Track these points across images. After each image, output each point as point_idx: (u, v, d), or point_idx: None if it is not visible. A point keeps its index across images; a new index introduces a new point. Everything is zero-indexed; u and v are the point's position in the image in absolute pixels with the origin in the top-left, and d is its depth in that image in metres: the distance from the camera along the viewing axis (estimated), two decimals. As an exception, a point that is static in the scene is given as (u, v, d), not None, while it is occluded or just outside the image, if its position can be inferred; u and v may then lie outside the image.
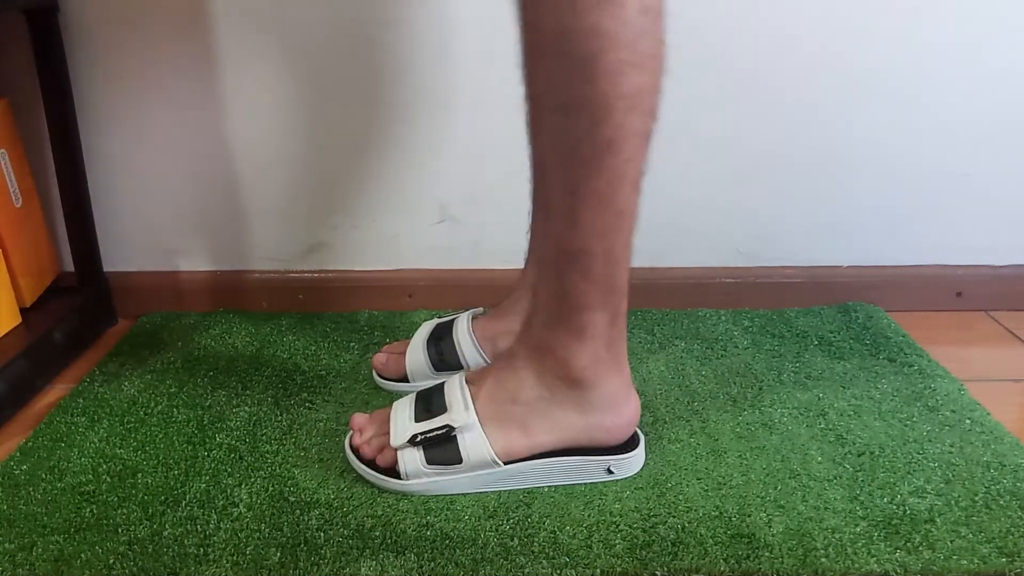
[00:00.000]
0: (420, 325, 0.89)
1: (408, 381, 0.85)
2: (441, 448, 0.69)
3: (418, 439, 0.69)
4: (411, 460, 0.69)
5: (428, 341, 0.85)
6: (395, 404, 0.74)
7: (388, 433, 0.71)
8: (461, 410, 0.69)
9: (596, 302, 0.65)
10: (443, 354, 0.84)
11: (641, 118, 0.59)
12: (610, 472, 0.71)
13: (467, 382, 0.72)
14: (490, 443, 0.68)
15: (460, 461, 0.69)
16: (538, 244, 0.68)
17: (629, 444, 0.72)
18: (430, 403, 0.72)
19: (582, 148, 0.59)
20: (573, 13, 0.55)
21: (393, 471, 0.70)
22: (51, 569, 0.62)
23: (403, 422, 0.71)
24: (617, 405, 0.71)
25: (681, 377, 0.89)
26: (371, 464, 0.71)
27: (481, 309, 0.88)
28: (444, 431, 0.69)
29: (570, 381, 0.68)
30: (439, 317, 0.90)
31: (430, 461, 0.69)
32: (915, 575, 0.61)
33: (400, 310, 1.07)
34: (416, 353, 0.85)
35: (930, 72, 0.98)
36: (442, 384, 0.74)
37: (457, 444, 0.69)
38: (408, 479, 0.69)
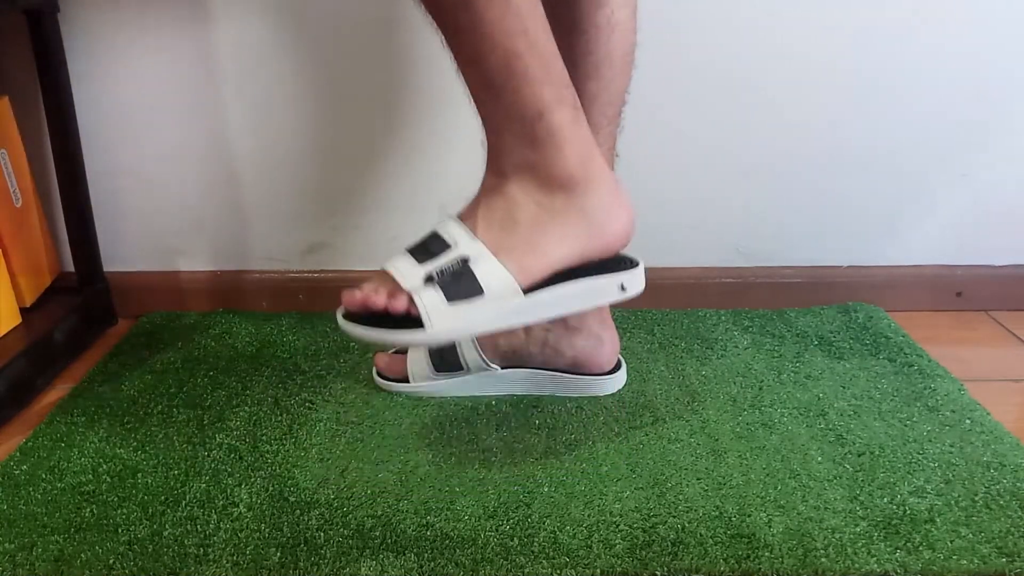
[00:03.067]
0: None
1: (408, 381, 0.85)
2: (459, 284, 0.64)
3: (434, 277, 0.64)
4: (431, 300, 0.64)
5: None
6: (388, 261, 0.68)
7: (394, 282, 0.66)
8: (468, 241, 0.66)
9: (551, 100, 0.62)
10: (443, 353, 0.84)
11: None
12: (623, 289, 0.69)
13: (460, 219, 0.68)
14: (506, 268, 0.65)
15: (482, 292, 0.64)
16: (468, 77, 0.63)
17: (633, 260, 0.71)
18: (429, 247, 0.67)
19: None
20: None
21: (409, 319, 0.64)
22: (51, 569, 0.62)
23: (408, 267, 0.66)
24: (613, 207, 0.68)
25: (681, 377, 0.89)
26: (381, 319, 0.65)
27: None
28: (459, 263, 0.64)
29: (562, 190, 0.66)
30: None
31: (450, 298, 0.64)
32: (915, 575, 0.61)
33: (400, 310, 1.06)
34: (417, 353, 0.85)
35: (930, 72, 0.98)
36: (433, 231, 0.68)
37: (475, 275, 0.64)
38: (431, 323, 0.63)
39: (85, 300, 0.99)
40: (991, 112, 1.00)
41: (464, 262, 0.65)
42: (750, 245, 1.07)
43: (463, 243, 0.66)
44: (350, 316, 0.67)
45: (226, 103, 0.98)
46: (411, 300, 0.64)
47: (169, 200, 1.03)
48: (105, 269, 1.03)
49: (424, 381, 0.85)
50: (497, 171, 0.67)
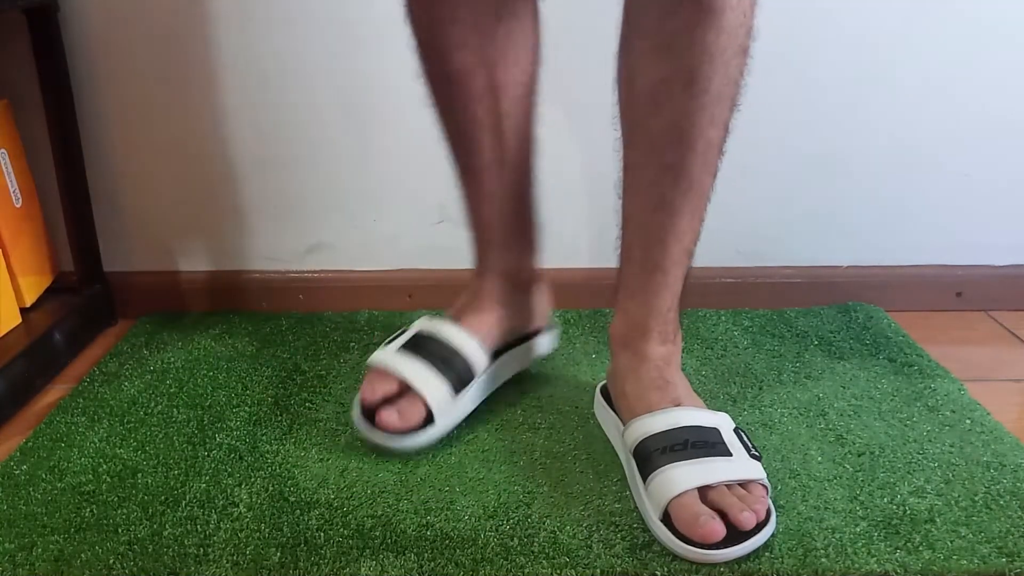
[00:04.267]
0: (374, 363, 0.77)
1: (433, 421, 0.74)
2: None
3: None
4: None
5: (434, 363, 0.76)
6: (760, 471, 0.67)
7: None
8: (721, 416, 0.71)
9: None
10: (456, 370, 0.76)
11: None
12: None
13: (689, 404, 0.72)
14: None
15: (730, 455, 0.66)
16: (667, 244, 0.71)
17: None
18: (744, 438, 0.69)
19: (725, 134, 0.69)
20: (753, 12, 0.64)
21: None
22: (51, 569, 0.62)
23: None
24: None
25: (681, 377, 0.89)
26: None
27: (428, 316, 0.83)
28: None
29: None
30: (388, 344, 0.80)
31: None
32: (915, 575, 0.61)
33: (400, 310, 1.07)
34: (432, 381, 0.74)
35: (930, 72, 0.98)
36: (697, 426, 0.68)
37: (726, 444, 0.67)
38: None
39: (85, 300, 0.99)
40: (991, 112, 1.00)
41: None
42: (750, 245, 1.07)
43: (721, 420, 0.70)
44: None
45: (226, 103, 0.98)
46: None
47: (169, 200, 1.03)
48: (105, 269, 1.04)
49: (450, 414, 0.76)
50: (669, 339, 0.76)
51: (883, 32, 0.96)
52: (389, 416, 0.73)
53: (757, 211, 1.04)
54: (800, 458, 0.74)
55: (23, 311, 0.93)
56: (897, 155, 1.02)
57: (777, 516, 0.66)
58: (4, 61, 0.95)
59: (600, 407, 0.80)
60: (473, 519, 0.67)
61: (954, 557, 0.62)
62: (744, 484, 0.65)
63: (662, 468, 0.65)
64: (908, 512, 0.67)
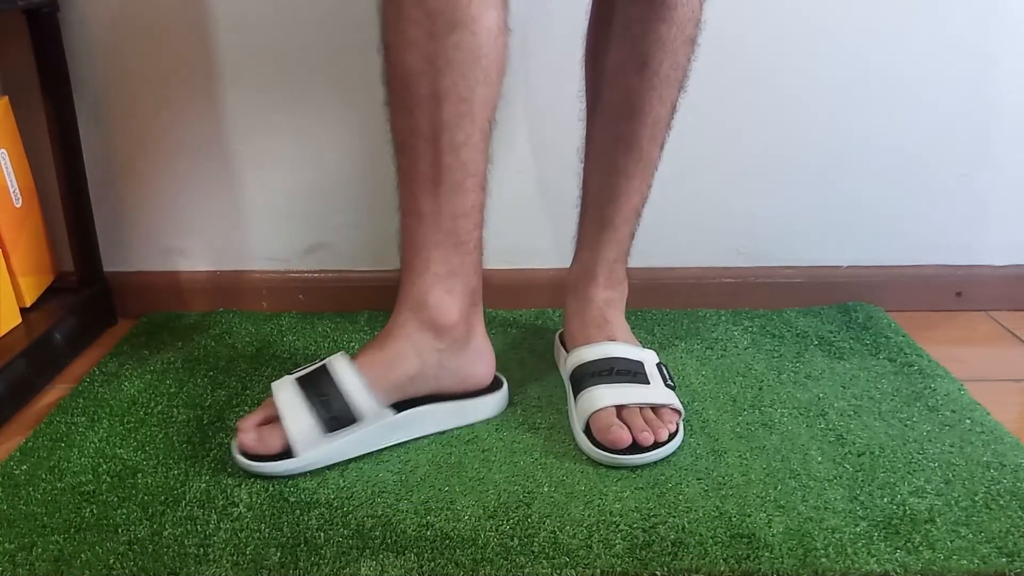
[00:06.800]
0: (271, 386, 0.75)
1: (292, 456, 0.71)
2: None
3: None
4: None
5: (309, 396, 0.72)
6: None
7: None
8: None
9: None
10: (331, 408, 0.72)
11: None
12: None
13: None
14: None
15: (648, 383, 0.78)
16: (618, 203, 0.82)
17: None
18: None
19: (672, 112, 0.80)
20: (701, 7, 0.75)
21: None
22: (51, 569, 0.62)
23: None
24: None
25: (681, 377, 0.89)
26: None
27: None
28: None
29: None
30: (289, 372, 0.77)
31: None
32: (915, 575, 0.61)
33: (400, 310, 1.06)
34: (297, 415, 0.71)
35: (930, 72, 0.98)
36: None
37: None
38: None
39: (85, 300, 0.99)
40: (991, 112, 1.00)
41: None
42: (750, 245, 1.07)
43: (647, 355, 0.82)
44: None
45: (226, 103, 0.99)
46: None
47: (169, 200, 1.03)
48: (105, 269, 1.04)
49: (314, 449, 0.71)
50: (613, 286, 0.87)
51: (882, 32, 0.96)
52: (247, 437, 0.71)
53: (757, 211, 1.05)
54: (800, 458, 0.75)
55: (23, 311, 0.93)
56: (896, 155, 1.02)
57: (777, 516, 0.66)
58: (4, 61, 0.96)
59: (556, 349, 0.90)
60: (473, 519, 0.67)
61: (954, 557, 0.62)
62: (657, 408, 0.76)
63: (589, 388, 0.77)
64: (908, 512, 0.67)
